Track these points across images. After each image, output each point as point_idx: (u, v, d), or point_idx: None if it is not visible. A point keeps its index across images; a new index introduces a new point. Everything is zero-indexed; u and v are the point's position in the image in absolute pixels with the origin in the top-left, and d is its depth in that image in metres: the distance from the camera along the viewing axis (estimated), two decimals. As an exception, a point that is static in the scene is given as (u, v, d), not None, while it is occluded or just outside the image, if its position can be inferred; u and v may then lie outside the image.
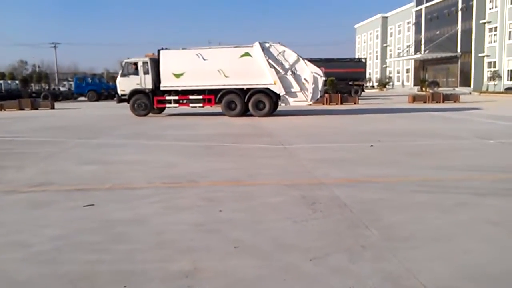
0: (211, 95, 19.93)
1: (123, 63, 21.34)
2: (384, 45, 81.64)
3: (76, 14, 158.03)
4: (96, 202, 5.74)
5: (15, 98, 34.64)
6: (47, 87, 72.85)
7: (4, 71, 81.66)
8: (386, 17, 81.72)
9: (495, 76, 47.54)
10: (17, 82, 62.76)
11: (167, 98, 20.37)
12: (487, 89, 47.93)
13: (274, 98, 19.67)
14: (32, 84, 76.27)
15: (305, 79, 19.19)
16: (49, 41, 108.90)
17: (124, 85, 20.87)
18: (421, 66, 65.92)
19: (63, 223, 4.98)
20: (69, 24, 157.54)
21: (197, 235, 4.49)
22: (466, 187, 6.27)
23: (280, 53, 19.28)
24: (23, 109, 28.88)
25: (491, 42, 50.77)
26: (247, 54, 19.50)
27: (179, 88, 20.14)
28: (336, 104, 28.53)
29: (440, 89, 49.33)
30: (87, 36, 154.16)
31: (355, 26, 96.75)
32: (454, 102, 29.10)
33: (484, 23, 51.29)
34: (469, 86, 51.66)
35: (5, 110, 28.71)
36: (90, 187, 6.69)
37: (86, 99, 43.74)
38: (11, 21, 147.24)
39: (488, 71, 50.89)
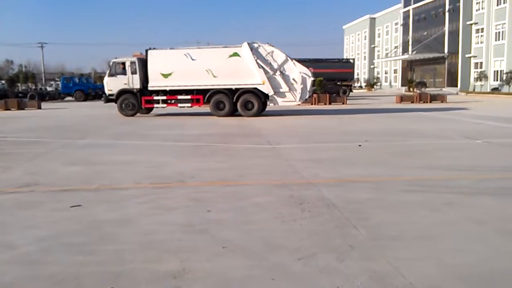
0: (200, 95, 19.88)
1: (111, 63, 21.20)
2: (372, 46, 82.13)
3: (64, 13, 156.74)
4: (83, 203, 5.68)
5: (1, 98, 34.22)
6: (33, 87, 72.14)
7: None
8: (374, 18, 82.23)
9: (482, 76, 48.02)
10: (3, 82, 62.21)
11: (155, 98, 20.29)
12: (474, 90, 48.42)
13: (263, 98, 19.67)
14: (19, 84, 75.54)
15: (293, 79, 19.23)
16: (36, 41, 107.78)
17: (111, 85, 20.73)
18: (408, 66, 66.40)
19: (50, 224, 4.92)
20: (57, 24, 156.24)
21: (185, 235, 4.47)
22: (453, 186, 6.32)
23: (268, 53, 19.30)
24: (10, 109, 28.54)
25: (478, 43, 51.28)
26: (235, 54, 19.49)
27: (167, 88, 20.06)
28: (325, 104, 28.62)
29: (427, 89, 49.71)
30: (74, 36, 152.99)
31: (343, 27, 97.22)
32: (441, 102, 29.33)
33: (471, 24, 51.81)
34: (456, 86, 52.15)
35: (-9, 110, 28.38)
36: (77, 187, 6.62)
37: (73, 99, 43.38)
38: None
39: (475, 72, 51.40)
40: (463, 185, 6.47)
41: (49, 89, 53.72)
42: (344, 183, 6.63)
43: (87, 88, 44.82)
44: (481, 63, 50.37)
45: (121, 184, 6.84)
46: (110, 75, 20.86)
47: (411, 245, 4.12)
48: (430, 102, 29.31)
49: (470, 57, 52.19)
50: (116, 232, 4.60)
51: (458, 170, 7.51)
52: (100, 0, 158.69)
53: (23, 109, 29.17)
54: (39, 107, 29.93)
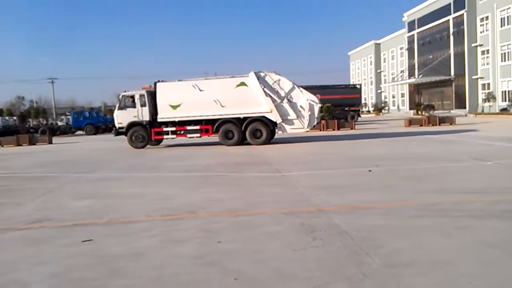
0: (208, 125, 20.03)
1: (120, 96, 21.51)
2: (378, 70, 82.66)
3: (73, 48, 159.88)
4: (94, 237, 5.68)
5: (13, 134, 34.75)
6: (44, 122, 73.11)
7: (2, 107, 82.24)
8: (379, 44, 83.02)
9: (490, 97, 47.96)
10: (14, 118, 63.17)
11: (165, 129, 20.47)
12: (483, 111, 48.28)
13: (271, 126, 19.76)
14: (30, 120, 76.61)
15: (301, 106, 19.34)
16: (46, 77, 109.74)
17: (121, 118, 20.99)
18: (416, 90, 66.52)
19: (60, 260, 4.92)
20: (67, 59, 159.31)
21: (197, 268, 4.44)
22: (465, 210, 6.24)
23: (275, 81, 19.48)
24: (21, 145, 28.90)
25: (484, 64, 51.40)
26: (242, 83, 19.68)
27: (176, 119, 20.25)
28: (333, 130, 28.67)
29: (435, 112, 49.66)
30: (84, 70, 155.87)
31: (349, 53, 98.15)
32: (450, 124, 29.26)
33: (476, 46, 52.04)
34: (465, 108, 52.05)
35: (3, 146, 28.77)
36: (88, 222, 6.63)
37: (84, 133, 43.82)
38: (9, 58, 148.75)
39: (482, 93, 51.37)
40: (475, 208, 6.38)
41: (60, 123, 54.38)
42: (355, 210, 6.57)
43: (97, 122, 45.33)
44: (489, 84, 50.38)
45: (131, 217, 6.83)
46: (120, 108, 21.14)
47: (425, 271, 4.05)
48: (439, 124, 29.24)
49: (477, 78, 52.22)
50: (127, 266, 4.58)
51: (469, 193, 7.43)
52: (108, 34, 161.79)
53: (35, 144, 29.50)
54: (50, 142, 30.24)
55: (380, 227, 5.56)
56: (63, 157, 18.63)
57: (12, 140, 29.76)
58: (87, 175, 12.14)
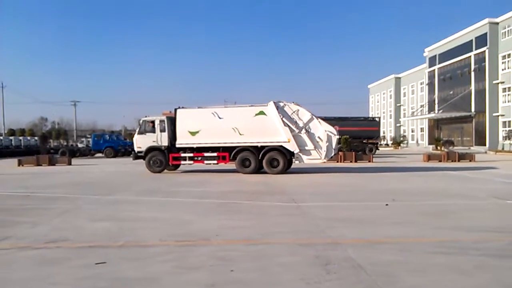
0: (226, 152, 20.13)
1: (141, 121, 21.81)
2: (398, 104, 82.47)
3: (98, 73, 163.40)
4: (108, 260, 5.71)
5: (34, 154, 35.35)
6: (65, 144, 74.30)
7: (25, 127, 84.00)
8: (399, 78, 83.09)
9: (511, 135, 47.34)
10: (36, 138, 64.40)
11: (182, 155, 20.62)
12: (503, 148, 47.63)
13: (288, 155, 19.76)
14: (51, 140, 77.99)
15: (319, 137, 19.34)
16: (69, 99, 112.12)
17: (141, 142, 21.25)
18: (435, 125, 66.08)
19: (74, 281, 4.94)
20: (90, 82, 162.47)
21: (209, 295, 4.42)
22: (483, 249, 6.12)
23: (294, 112, 19.57)
24: (41, 165, 29.33)
25: (505, 102, 50.96)
26: (261, 112, 19.83)
27: (194, 146, 20.41)
28: (351, 162, 28.52)
29: (455, 148, 49.14)
30: (106, 95, 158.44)
31: (369, 86, 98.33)
32: (470, 161, 28.89)
33: (498, 83, 51.72)
34: (484, 145, 51.42)
35: (23, 165, 29.22)
36: (103, 244, 6.67)
37: (103, 155, 44.34)
38: (34, 80, 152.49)
39: (503, 130, 50.77)
40: (494, 247, 6.26)
41: (80, 145, 55.15)
42: (371, 244, 6.50)
43: (117, 145, 45.88)
44: (510, 121, 49.82)
45: (146, 242, 6.85)
46: (140, 133, 21.42)
47: (441, 310, 3.97)
48: (458, 161, 28.89)
49: (498, 115, 51.70)
50: (140, 290, 4.58)
51: (488, 232, 7.29)
52: (132, 60, 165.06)
53: (54, 165, 29.92)
54: (70, 163, 30.64)
55: (396, 262, 5.48)
56: (81, 179, 18.85)
57: (32, 160, 30.25)
58: (104, 197, 12.24)
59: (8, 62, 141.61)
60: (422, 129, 72.10)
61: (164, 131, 20.80)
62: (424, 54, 69.67)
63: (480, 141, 53.23)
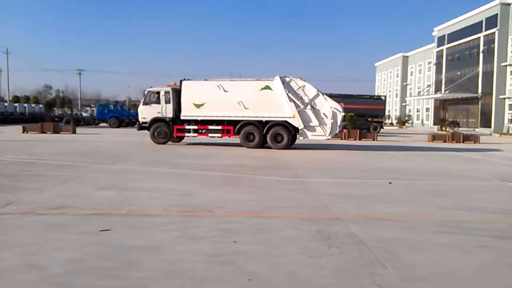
0: (230, 126, 20.09)
1: (146, 92, 21.73)
2: (404, 83, 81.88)
3: (103, 42, 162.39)
4: (112, 228, 5.75)
5: (38, 122, 35.41)
6: (70, 112, 74.35)
7: (29, 94, 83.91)
8: (407, 56, 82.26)
9: (517, 118, 47.10)
10: (40, 106, 64.42)
11: (187, 127, 20.59)
12: (508, 131, 47.41)
13: (293, 131, 19.72)
14: (56, 109, 78.00)
15: (324, 114, 19.25)
16: (74, 68, 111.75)
17: (145, 113, 21.22)
18: (441, 105, 65.69)
19: (78, 247, 4.99)
20: (96, 52, 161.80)
21: (211, 265, 4.45)
22: (486, 229, 6.13)
23: (300, 87, 19.43)
24: (45, 133, 29.40)
25: (513, 84, 50.52)
26: (267, 87, 19.70)
27: (199, 118, 20.37)
28: (355, 139, 28.47)
29: (460, 129, 48.92)
30: (112, 64, 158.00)
31: (376, 64, 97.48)
32: (474, 142, 28.78)
33: (506, 65, 51.13)
34: (490, 127, 51.18)
35: (27, 132, 29.31)
36: (107, 212, 6.71)
37: (107, 125, 44.39)
38: (40, 47, 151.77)
39: (509, 113, 50.47)
40: (497, 228, 6.27)
41: (84, 114, 55.25)
42: (373, 221, 6.52)
43: (121, 115, 45.86)
44: (516, 104, 49.48)
45: (150, 211, 6.89)
46: (145, 103, 21.37)
47: (440, 287, 3.99)
48: (463, 142, 28.77)
49: (505, 98, 51.29)
50: (143, 258, 4.62)
51: (491, 213, 7.30)
52: (138, 31, 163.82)
53: (58, 133, 29.98)
54: (74, 132, 30.69)
55: (398, 239, 5.50)
56: (86, 147, 18.90)
57: (36, 127, 30.33)
58: (108, 167, 12.28)
59: (13, 28, 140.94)
60: (427, 109, 71.74)
61: (169, 102, 20.73)
62: (433, 34, 68.79)
63: (486, 123, 52.96)
